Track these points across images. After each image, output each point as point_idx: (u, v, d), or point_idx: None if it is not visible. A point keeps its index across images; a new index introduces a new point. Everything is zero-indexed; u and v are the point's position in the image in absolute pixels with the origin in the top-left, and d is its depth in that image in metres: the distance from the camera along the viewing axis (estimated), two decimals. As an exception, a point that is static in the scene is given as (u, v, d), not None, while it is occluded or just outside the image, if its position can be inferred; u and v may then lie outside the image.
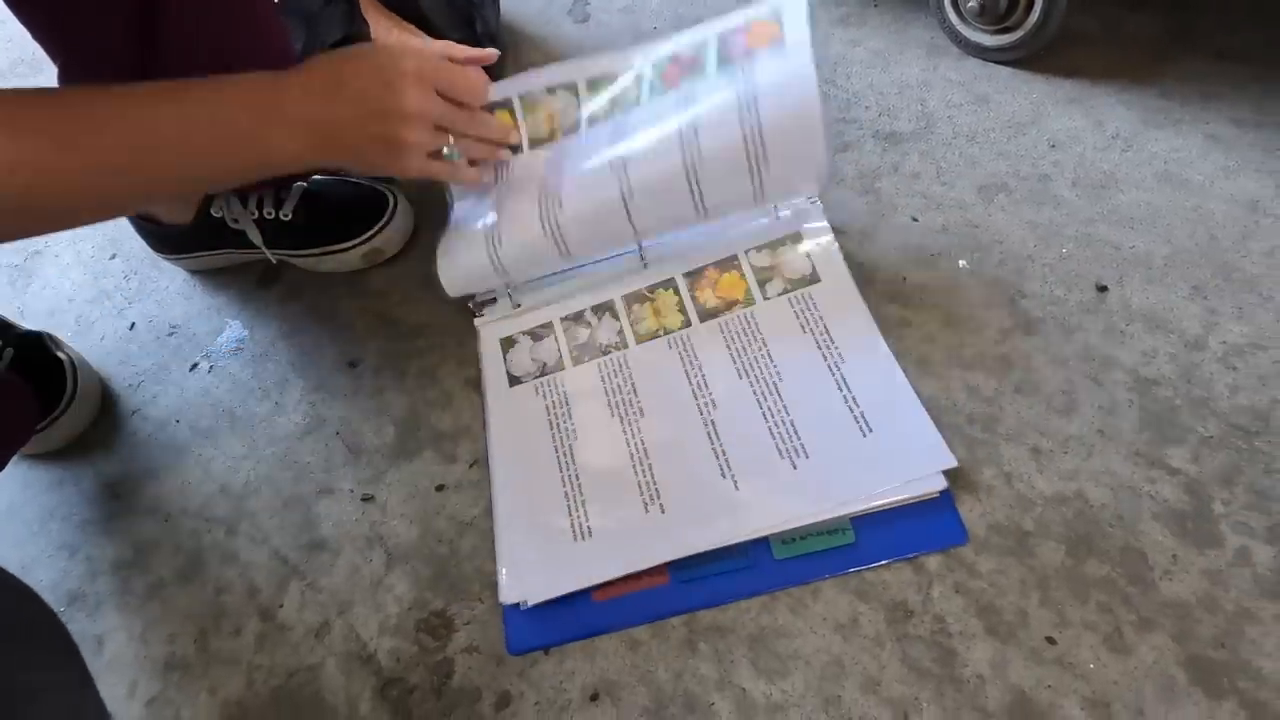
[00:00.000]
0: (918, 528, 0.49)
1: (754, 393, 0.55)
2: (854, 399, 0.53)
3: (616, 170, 0.55)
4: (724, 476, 0.52)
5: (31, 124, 0.38)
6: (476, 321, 0.64)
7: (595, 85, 0.60)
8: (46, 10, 0.54)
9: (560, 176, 0.57)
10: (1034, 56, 0.70)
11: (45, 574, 0.59)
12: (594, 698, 0.47)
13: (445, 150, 0.53)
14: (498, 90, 0.61)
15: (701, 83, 0.56)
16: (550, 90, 0.61)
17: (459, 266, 0.60)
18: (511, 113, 0.61)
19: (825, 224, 0.60)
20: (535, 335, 0.62)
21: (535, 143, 0.61)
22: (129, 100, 0.42)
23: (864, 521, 0.49)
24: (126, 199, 0.45)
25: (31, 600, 0.38)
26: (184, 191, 0.47)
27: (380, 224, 0.70)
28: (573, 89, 0.61)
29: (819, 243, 0.60)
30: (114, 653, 0.55)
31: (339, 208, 0.70)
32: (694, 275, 0.61)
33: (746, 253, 0.61)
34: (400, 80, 0.48)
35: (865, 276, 0.61)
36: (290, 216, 0.69)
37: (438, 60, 0.51)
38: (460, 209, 0.62)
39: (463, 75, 0.53)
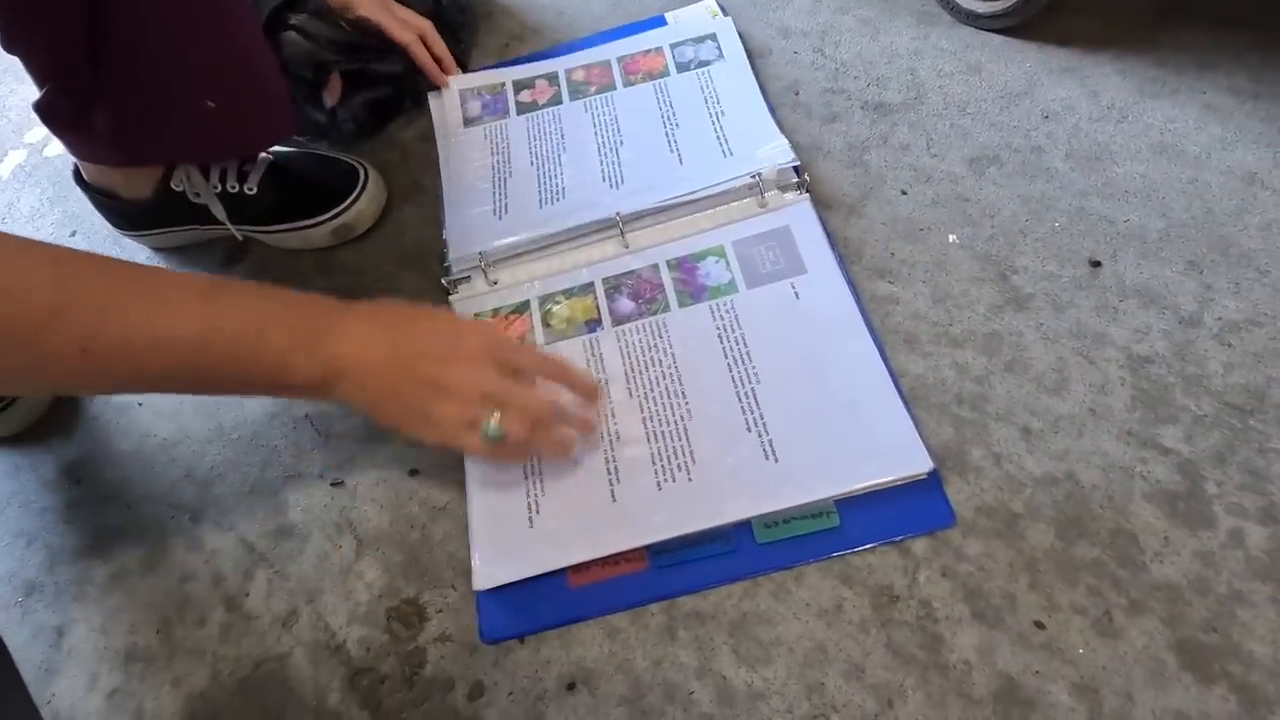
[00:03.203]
0: (904, 510, 0.47)
1: (730, 380, 0.53)
2: (833, 392, 0.51)
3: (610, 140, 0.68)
4: (694, 463, 0.50)
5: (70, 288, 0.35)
6: (451, 299, 0.61)
7: (573, 72, 0.73)
8: None
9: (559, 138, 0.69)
10: (1027, 24, 0.67)
11: (2, 563, 0.57)
12: (570, 687, 0.45)
13: (484, 426, 0.45)
14: (493, 75, 0.74)
15: (669, 79, 0.70)
16: (540, 76, 0.73)
17: (463, 226, 0.64)
18: (502, 86, 0.73)
19: (814, 217, 0.59)
20: (509, 313, 0.60)
21: (524, 110, 0.72)
22: (160, 287, 0.39)
23: (849, 504, 0.48)
24: (112, 387, 0.43)
25: None
26: (167, 392, 0.42)
27: (351, 199, 0.67)
28: (554, 78, 0.73)
29: (807, 235, 0.58)
30: (73, 644, 0.53)
31: (307, 182, 0.67)
32: (677, 262, 0.59)
33: (733, 243, 0.59)
34: (457, 353, 0.45)
35: (852, 251, 0.59)
36: (255, 190, 0.66)
37: (511, 341, 0.52)
38: (454, 186, 0.68)
39: (535, 355, 0.51)
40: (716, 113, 0.66)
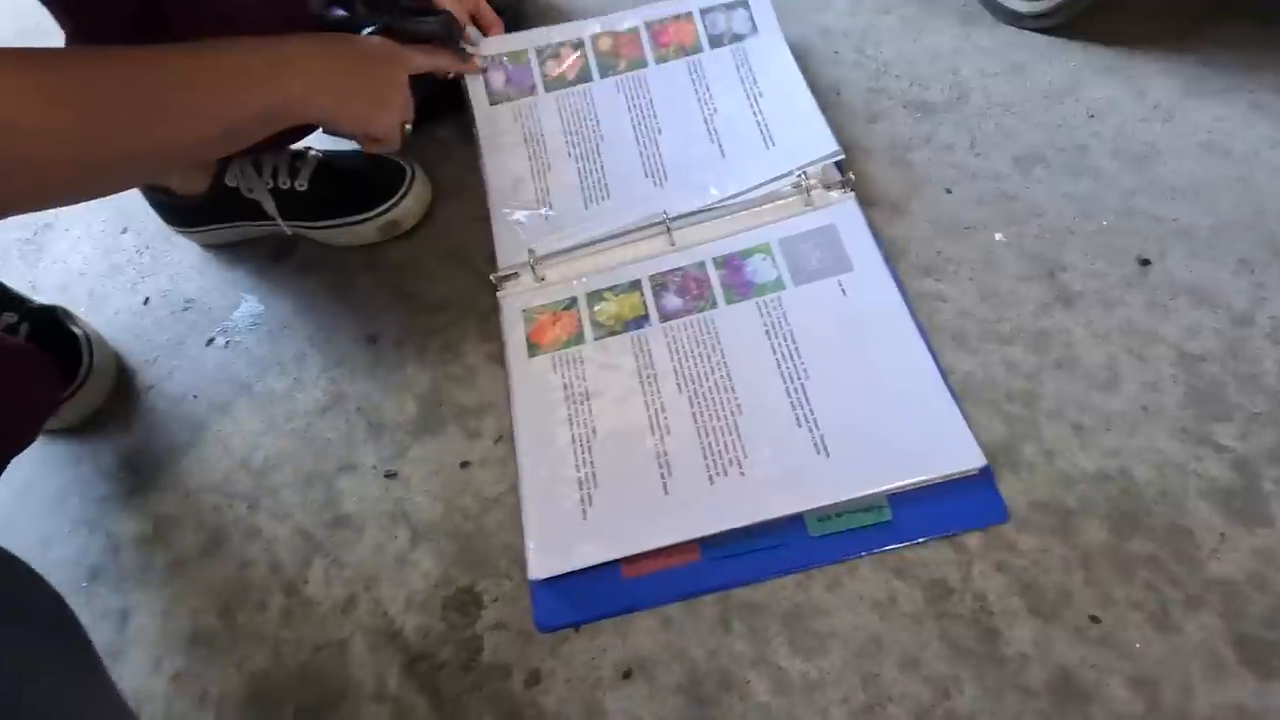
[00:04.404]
0: (957, 505, 0.47)
1: (779, 376, 0.53)
2: (883, 388, 0.51)
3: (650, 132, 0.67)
4: (745, 458, 0.50)
5: (50, 88, 0.37)
6: (499, 295, 0.62)
7: (599, 39, 0.71)
8: None
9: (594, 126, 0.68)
10: (1070, 23, 0.67)
11: (65, 550, 0.59)
12: (627, 675, 0.46)
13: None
14: (515, 40, 0.71)
15: (703, 56, 0.69)
16: (565, 43, 0.71)
17: (509, 224, 0.65)
18: (525, 54, 0.71)
19: (860, 215, 0.59)
20: (558, 309, 0.61)
21: (553, 86, 0.70)
22: (143, 55, 0.42)
23: (901, 499, 0.48)
24: (147, 159, 0.44)
25: (30, 579, 0.37)
26: (198, 148, 0.46)
27: (398, 196, 0.68)
28: (579, 46, 0.71)
29: (853, 233, 0.59)
30: (138, 627, 0.54)
31: (355, 179, 0.69)
32: (724, 260, 0.60)
33: (779, 241, 0.59)
34: (397, 54, 0.58)
35: (898, 249, 0.59)
36: (305, 187, 0.67)
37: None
38: (496, 179, 0.67)
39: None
40: (754, 94, 0.65)
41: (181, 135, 0.44)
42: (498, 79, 0.70)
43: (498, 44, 0.70)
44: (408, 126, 0.59)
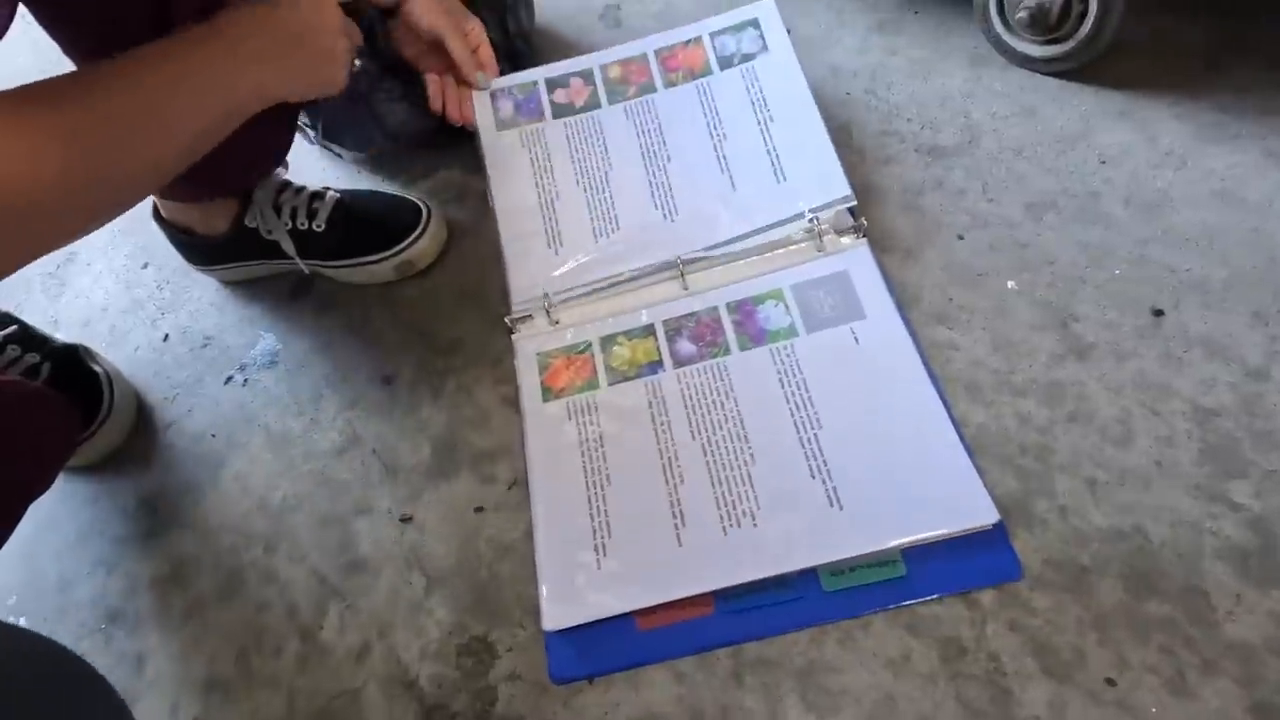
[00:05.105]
0: (970, 561, 0.48)
1: (793, 425, 0.54)
2: (897, 440, 0.51)
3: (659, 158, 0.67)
4: (758, 509, 0.51)
5: (32, 135, 0.36)
6: (514, 337, 0.63)
7: (608, 69, 0.71)
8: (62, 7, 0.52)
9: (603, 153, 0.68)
10: (1083, 67, 0.68)
11: (85, 591, 0.60)
12: (640, 730, 0.46)
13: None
14: (524, 75, 0.71)
15: (713, 78, 0.68)
16: (574, 74, 0.71)
17: (521, 260, 0.65)
18: (534, 84, 0.71)
19: (873, 261, 0.59)
20: (571, 353, 0.61)
21: (560, 113, 0.70)
22: (113, 78, 0.40)
23: (915, 553, 0.48)
24: (137, 182, 0.44)
25: (75, 663, 0.38)
26: (180, 158, 0.45)
27: (413, 236, 0.69)
28: (589, 76, 0.71)
29: (865, 280, 0.59)
30: (155, 672, 0.55)
31: (372, 219, 0.70)
32: (737, 305, 0.60)
33: (792, 287, 0.60)
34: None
35: (910, 296, 0.60)
36: (323, 228, 0.68)
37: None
38: (504, 207, 0.67)
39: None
40: (765, 120, 0.65)
41: (165, 151, 0.43)
42: (506, 106, 0.70)
43: (507, 79, 0.71)
44: (357, 63, 0.57)
